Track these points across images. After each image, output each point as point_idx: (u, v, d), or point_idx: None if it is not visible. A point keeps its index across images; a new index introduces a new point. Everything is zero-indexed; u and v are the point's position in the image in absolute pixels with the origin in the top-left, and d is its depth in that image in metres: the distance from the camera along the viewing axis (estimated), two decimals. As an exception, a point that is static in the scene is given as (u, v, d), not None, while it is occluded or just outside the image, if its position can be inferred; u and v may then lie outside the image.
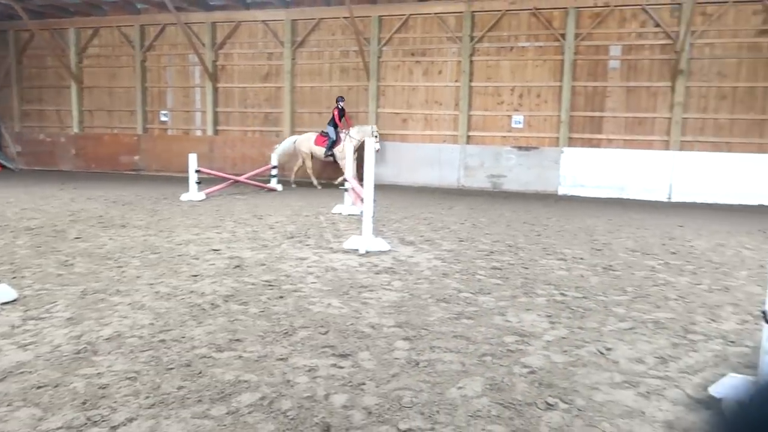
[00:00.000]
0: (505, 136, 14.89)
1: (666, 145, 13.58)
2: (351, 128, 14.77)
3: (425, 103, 15.54)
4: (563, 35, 14.05)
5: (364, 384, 3.24)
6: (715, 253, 7.29)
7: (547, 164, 14.36)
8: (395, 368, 3.46)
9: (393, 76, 15.76)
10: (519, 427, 2.82)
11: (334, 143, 14.61)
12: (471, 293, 5.14)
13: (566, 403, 3.09)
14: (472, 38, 14.81)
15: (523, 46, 14.55)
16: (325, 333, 4.04)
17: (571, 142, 14.24)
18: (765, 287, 3.07)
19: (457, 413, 2.94)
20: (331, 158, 14.79)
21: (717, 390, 3.24)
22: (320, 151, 14.74)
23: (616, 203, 12.67)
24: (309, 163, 15.09)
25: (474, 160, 15.01)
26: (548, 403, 3.06)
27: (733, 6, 12.93)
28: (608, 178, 13.82)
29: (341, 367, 3.46)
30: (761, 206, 12.52)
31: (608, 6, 13.69)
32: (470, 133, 15.10)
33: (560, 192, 14.20)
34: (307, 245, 7.16)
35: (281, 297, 4.90)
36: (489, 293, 5.15)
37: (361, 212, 7.15)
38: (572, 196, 13.81)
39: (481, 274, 5.84)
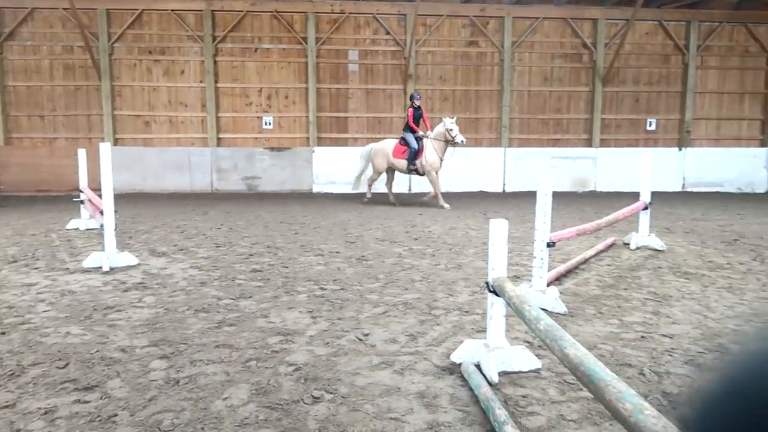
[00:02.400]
0: (257, 138, 14.82)
1: (403, 142, 15.00)
2: (431, 131, 11.80)
3: (169, 104, 14.63)
4: (305, 39, 14.51)
5: (115, 415, 2.91)
6: (448, 235, 8.28)
7: (300, 164, 14.72)
8: (152, 391, 3.19)
9: (129, 76, 14.49)
10: (287, 427, 2.82)
11: (416, 153, 11.62)
12: (232, 299, 5.00)
13: (331, 393, 3.19)
14: (214, 38, 14.39)
15: (268, 48, 14.64)
16: (64, 366, 3.53)
17: (321, 142, 14.82)
18: (488, 261, 3.56)
19: (223, 426, 2.82)
20: (415, 172, 11.85)
21: (457, 356, 3.67)
22: (401, 164, 11.79)
23: (362, 198, 13.55)
24: (375, 177, 12.39)
25: (227, 162, 14.65)
26: (314, 397, 3.13)
27: (447, 19, 14.80)
28: (353, 175, 14.70)
29: (86, 402, 3.06)
30: (481, 192, 14.62)
31: (344, 13, 14.53)
32: (221, 136, 14.68)
33: (315, 190, 14.68)
34: (36, 268, 6.18)
35: (2, 333, 4.14)
36: (250, 297, 5.07)
37: (102, 225, 6.43)
38: (326, 194, 14.39)
39: (241, 279, 5.72)
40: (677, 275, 5.97)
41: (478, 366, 3.53)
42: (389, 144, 12.03)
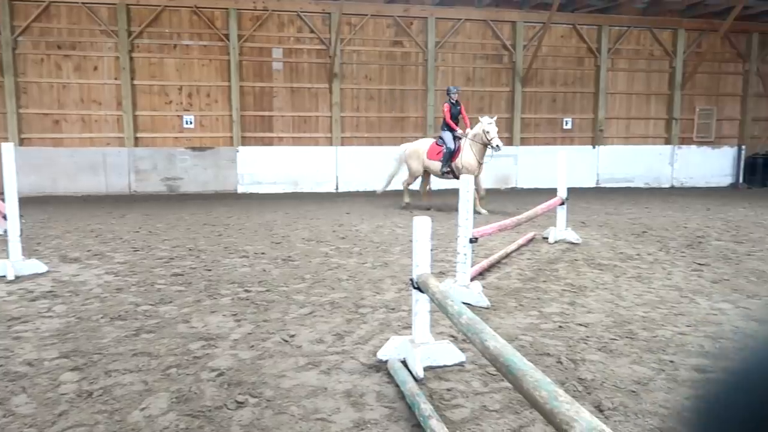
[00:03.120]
0: (177, 137, 14.31)
1: (330, 141, 14.92)
2: (471, 129, 10.52)
3: (81, 102, 13.86)
4: (227, 35, 14.15)
5: (21, 434, 2.72)
6: (375, 234, 8.32)
7: (224, 164, 14.35)
8: (62, 405, 3.01)
9: (36, 72, 13.61)
10: (210, 434, 2.74)
11: (451, 155, 10.45)
12: (151, 305, 4.80)
13: (255, 397, 3.13)
14: (129, 33, 13.76)
15: (187, 45, 14.17)
16: (-38, 384, 3.26)
17: (246, 141, 14.51)
18: (413, 259, 3.61)
19: (140, 437, 2.70)
20: (450, 176, 10.62)
21: (383, 353, 3.69)
22: (435, 166, 10.68)
23: (291, 197, 13.41)
24: (411, 180, 11.36)
25: (145, 163, 14.06)
26: (238, 402, 3.05)
27: (372, 18, 14.87)
28: (282, 174, 14.53)
29: (-13, 421, 2.84)
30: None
31: (267, 10, 14.29)
32: (138, 135, 14.07)
33: (239, 191, 14.36)
34: (-70, 279, 5.69)
35: None
36: (171, 302, 4.89)
37: (5, 231, 6.01)
38: (251, 194, 14.11)
39: (161, 283, 5.50)
40: (592, 267, 6.28)
41: (404, 362, 3.56)
42: (424, 144, 11.05)
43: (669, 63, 16.61)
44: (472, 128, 10.43)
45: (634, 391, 3.23)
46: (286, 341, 3.97)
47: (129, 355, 3.71)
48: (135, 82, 13.93)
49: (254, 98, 14.59)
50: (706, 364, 3.62)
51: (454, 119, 10.56)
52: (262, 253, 6.90)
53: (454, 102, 10.61)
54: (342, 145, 14.94)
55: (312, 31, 14.61)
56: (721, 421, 0.51)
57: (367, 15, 14.73)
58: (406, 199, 11.36)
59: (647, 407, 3.04)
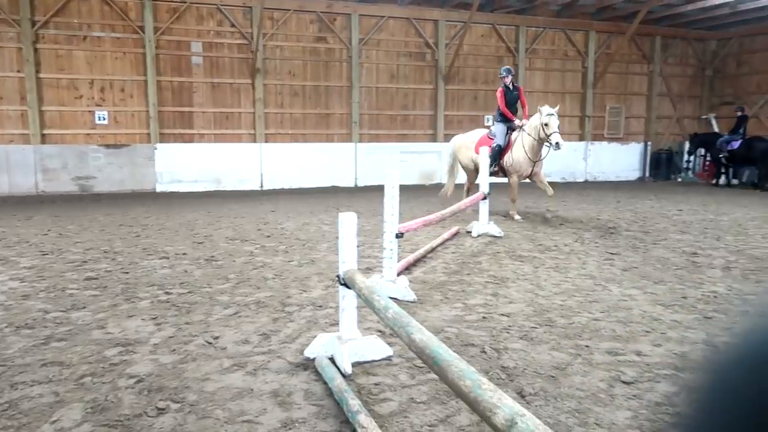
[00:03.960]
0: (89, 134, 13.55)
1: (253, 138, 14.61)
2: (529, 119, 8.94)
3: (-21, 96, 12.85)
4: (142, 28, 13.53)
5: None
6: (301, 231, 8.23)
7: (141, 162, 13.74)
8: (-39, 423, 2.78)
9: (-74, 62, 12.49)
10: (128, 444, 2.62)
11: (501, 151, 9.04)
12: (62, 311, 4.52)
13: (178, 402, 3.01)
14: (33, 23, 12.88)
15: (99, 36, 13.43)
16: None
17: (164, 138, 13.95)
18: (339, 255, 3.59)
19: (51, 452, 2.54)
20: (500, 173, 9.30)
21: (311, 351, 3.66)
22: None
23: (214, 196, 13.04)
24: (472, 179, 9.74)
25: (54, 161, 13.22)
26: (159, 408, 2.94)
27: (295, 14, 14.67)
28: (204, 172, 14.09)
29: None
30: (333, 187, 14.75)
31: (185, 2, 13.79)
32: (45, 132, 13.21)
33: (158, 189, 13.79)
34: None
35: None
36: (84, 307, 4.63)
37: None
38: (171, 193, 13.59)
39: (73, 288, 5.20)
40: (513, 258, 6.50)
41: (332, 359, 3.55)
42: (474, 135, 9.61)
43: (582, 63, 17.43)
44: (532, 119, 8.83)
45: (553, 376, 3.37)
46: (210, 343, 3.85)
47: (38, 365, 3.48)
48: (41, 76, 13.06)
49: (173, 93, 14.05)
50: (617, 347, 3.83)
51: (511, 107, 8.99)
52: (184, 254, 6.67)
53: (507, 86, 9.01)
54: (266, 141, 14.67)
55: (233, 25, 14.24)
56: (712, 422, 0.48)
57: (289, 10, 14.53)
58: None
59: (565, 391, 3.18)
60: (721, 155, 15.68)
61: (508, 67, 9.26)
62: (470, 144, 9.61)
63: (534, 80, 17.02)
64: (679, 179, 17.86)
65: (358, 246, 5.62)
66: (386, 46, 15.58)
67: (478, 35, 16.32)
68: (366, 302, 3.08)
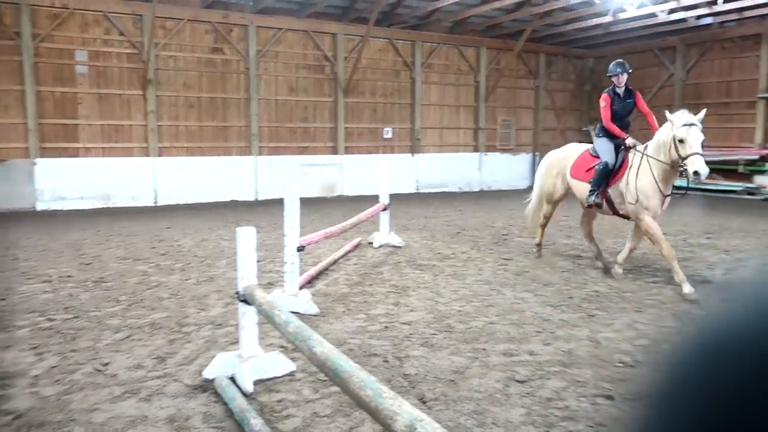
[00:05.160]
0: (-44, 149, 12.32)
1: (146, 152, 13.92)
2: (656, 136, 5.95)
3: None
4: (18, 33, 12.53)
5: None
6: (199, 248, 7.95)
7: (19, 178, 12.65)
8: None
9: None
10: (5, 487, 2.40)
11: (607, 174, 6.19)
12: (-77, 346, 4.07)
13: (62, 436, 2.81)
14: None
15: (-34, 42, 12.28)
16: None
17: (45, 153, 12.95)
18: (237, 271, 3.52)
19: None
20: (599, 207, 6.41)
21: (210, 372, 3.54)
22: (580, 190, 6.49)
23: (103, 213, 12.26)
24: (546, 211, 7.20)
25: None
26: (40, 445, 2.72)
27: (189, 23, 14.20)
28: (92, 188, 13.21)
29: None
30: (233, 201, 14.36)
31: (67, 8, 12.94)
32: None
33: (39, 208, 12.76)
34: None
35: None
36: (-49, 340, 4.19)
37: None
38: (54, 211, 12.62)
39: (-63, 320, 4.69)
40: (413, 267, 6.65)
41: (232, 379, 3.46)
42: (572, 152, 6.90)
43: (474, 77, 18.25)
44: (658, 135, 5.93)
45: (453, 380, 3.48)
46: (99, 371, 3.62)
47: None
48: None
49: (55, 105, 13.09)
50: (512, 348, 4.03)
51: (619, 119, 6.31)
52: (69, 276, 6.22)
53: (616, 92, 6.37)
54: (160, 155, 14.04)
55: (122, 34, 13.54)
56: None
57: (183, 20, 14.05)
58: (538, 253, 7.16)
59: (464, 393, 3.30)
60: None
61: (620, 60, 6.53)
62: (561, 162, 6.87)
63: (430, 94, 17.57)
64: (566, 187, 19.09)
65: (258, 261, 5.52)
66: (285, 58, 15.47)
67: (376, 49, 16.63)
68: (267, 318, 3.04)
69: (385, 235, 8.02)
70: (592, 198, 6.12)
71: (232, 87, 14.86)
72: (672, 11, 14.67)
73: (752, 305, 0.45)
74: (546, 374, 3.57)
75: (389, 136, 16.97)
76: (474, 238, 8.75)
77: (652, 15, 15.01)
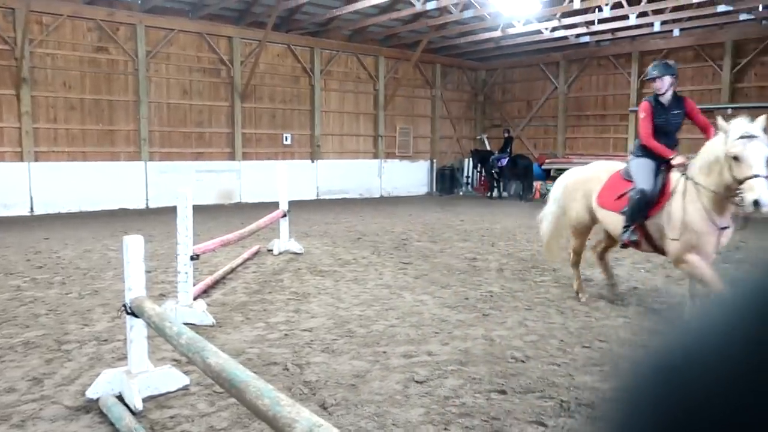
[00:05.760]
0: None
1: (20, 156, 12.78)
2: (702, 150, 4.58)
3: None
4: None
5: None
6: (82, 259, 7.40)
7: None
8: None
9: None
10: None
11: (644, 205, 4.77)
12: None
13: None
14: None
15: None
16: None
17: None
18: (125, 282, 3.31)
19: None
20: (638, 247, 5.06)
21: (94, 391, 3.29)
22: (611, 222, 5.15)
23: (-30, 224, 11.08)
24: (576, 245, 5.68)
25: None
26: None
27: (69, 20, 13.22)
28: (-44, 196, 11.93)
29: None
30: (122, 209, 13.52)
31: None
32: None
33: None
34: None
35: None
36: None
37: None
38: None
39: None
40: (314, 274, 6.59)
41: (120, 397, 3.23)
42: (598, 173, 5.54)
43: (373, 86, 18.49)
44: (704, 150, 4.61)
45: (353, 385, 3.48)
46: (-38, 397, 3.26)
47: None
48: None
49: None
50: (411, 350, 4.10)
51: (664, 135, 5.00)
52: (-74, 294, 5.56)
53: (661, 100, 5.03)
54: (36, 160, 12.94)
55: (-10, 28, 12.38)
56: None
57: (62, 15, 13.07)
58: (582, 297, 5.53)
59: (365, 397, 3.31)
60: (493, 170, 17.80)
61: (663, 61, 5.28)
62: (586, 185, 5.52)
63: (330, 101, 17.58)
64: (461, 193, 19.82)
65: (150, 271, 5.23)
66: (177, 60, 14.83)
67: (275, 54, 16.39)
68: (157, 330, 2.88)
69: (285, 241, 7.90)
70: (627, 235, 4.88)
71: (119, 88, 14.02)
72: (554, 29, 15.72)
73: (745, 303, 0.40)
74: (444, 373, 3.66)
75: (289, 142, 16.77)
76: (374, 243, 8.83)
77: (538, 32, 16.01)
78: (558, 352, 4.06)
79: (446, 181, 19.64)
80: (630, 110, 16.84)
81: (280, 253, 7.72)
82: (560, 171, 17.84)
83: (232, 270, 6.60)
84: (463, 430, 2.93)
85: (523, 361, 3.86)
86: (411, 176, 19.29)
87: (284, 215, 7.83)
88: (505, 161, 17.28)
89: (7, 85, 12.59)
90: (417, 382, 3.52)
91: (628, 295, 5.73)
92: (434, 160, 19.92)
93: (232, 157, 15.65)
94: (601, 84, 18.08)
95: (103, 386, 3.31)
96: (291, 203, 8.12)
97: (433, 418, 3.05)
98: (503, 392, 3.37)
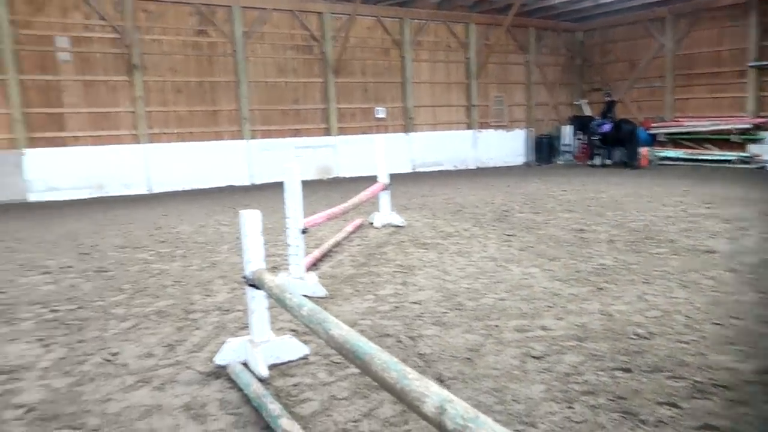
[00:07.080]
0: (-59, 141, 12.06)
1: (136, 139, 13.71)
2: None
3: None
4: (-3, 21, 12.21)
5: None
6: (198, 234, 7.85)
7: (7, 170, 12.42)
8: None
9: None
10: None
11: None
12: (-75, 343, 3.97)
13: (77, 429, 2.75)
14: None
15: (-55, 31, 11.94)
16: None
17: (34, 143, 12.71)
18: (243, 256, 3.44)
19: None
20: None
21: (221, 358, 3.49)
22: None
23: (97, 203, 12.09)
24: None
25: None
26: (56, 439, 2.66)
27: (171, 5, 13.90)
28: (84, 177, 13.03)
29: None
30: (229, 186, 14.22)
31: (46, -7, 12.61)
32: None
33: (31, 199, 12.56)
34: None
35: None
36: (-47, 336, 4.10)
37: None
38: (47, 202, 12.42)
39: (-64, 315, 4.59)
40: (417, 246, 6.60)
41: (245, 364, 3.40)
42: None
43: (464, 54, 18.05)
44: None
45: (468, 358, 3.45)
46: (109, 360, 3.55)
47: None
48: None
49: (39, 93, 12.82)
50: (524, 324, 4.00)
51: None
52: (69, 267, 6.12)
53: None
54: (151, 141, 13.83)
55: (102, 18, 13.23)
56: None
57: (166, 2, 13.75)
58: None
59: (482, 371, 3.26)
60: (594, 137, 16.93)
61: None
62: None
63: (421, 72, 17.38)
64: (560, 162, 19.07)
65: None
66: (272, 39, 15.21)
67: (364, 27, 16.38)
68: (277, 301, 2.97)
69: (386, 214, 7.95)
70: None
71: (219, 70, 14.62)
72: (663, -19, 14.53)
73: None
74: (562, 349, 3.54)
75: (382, 115, 16.81)
76: (475, 215, 8.70)
77: (643, -15, 14.87)
78: (685, 329, 3.81)
79: (544, 149, 18.95)
80: (749, 65, 15.35)
81: (382, 226, 7.78)
82: (670, 135, 16.86)
83: (338, 243, 6.74)
84: (588, 408, 2.82)
85: (647, 338, 3.66)
86: (506, 146, 18.79)
87: (385, 188, 7.87)
88: (607, 127, 16.38)
89: (121, 72, 13.48)
90: (534, 357, 3.44)
91: (760, 266, 5.27)
92: (531, 129, 19.26)
93: (327, 132, 15.93)
94: (714, 39, 16.55)
95: (229, 354, 3.49)
96: (389, 176, 8.12)
97: (555, 396, 2.96)
98: (628, 370, 3.21)
